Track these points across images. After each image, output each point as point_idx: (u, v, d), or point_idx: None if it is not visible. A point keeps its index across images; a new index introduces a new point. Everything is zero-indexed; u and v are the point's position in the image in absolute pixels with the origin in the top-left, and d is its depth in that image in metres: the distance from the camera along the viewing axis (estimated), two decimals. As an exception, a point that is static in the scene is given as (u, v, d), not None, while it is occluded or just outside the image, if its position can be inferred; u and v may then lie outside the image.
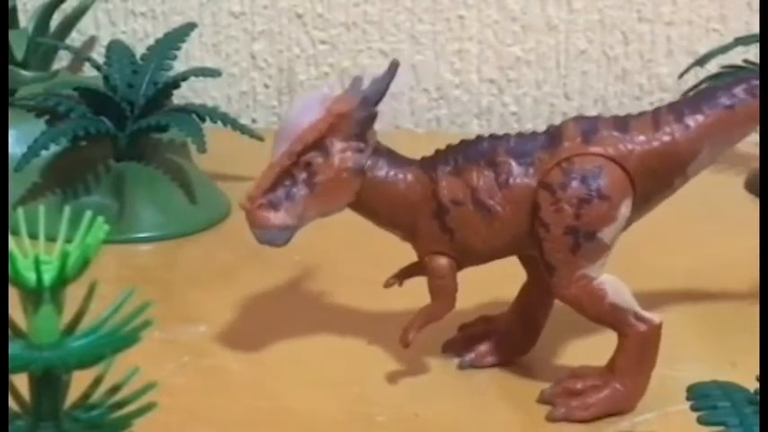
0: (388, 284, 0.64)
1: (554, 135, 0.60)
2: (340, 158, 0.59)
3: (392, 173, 0.60)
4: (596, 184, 0.58)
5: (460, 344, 0.66)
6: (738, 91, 0.60)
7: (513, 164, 0.59)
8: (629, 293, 0.60)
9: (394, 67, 0.60)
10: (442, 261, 0.61)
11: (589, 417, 0.60)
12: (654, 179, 0.59)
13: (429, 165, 0.61)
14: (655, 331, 0.60)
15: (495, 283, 0.67)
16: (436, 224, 0.60)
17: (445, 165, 0.60)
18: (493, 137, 0.61)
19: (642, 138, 0.59)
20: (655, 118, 0.60)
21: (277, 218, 0.59)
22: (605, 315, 0.60)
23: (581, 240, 0.58)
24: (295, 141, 0.59)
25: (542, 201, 0.59)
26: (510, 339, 0.65)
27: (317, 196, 0.59)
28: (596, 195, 0.58)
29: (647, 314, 0.60)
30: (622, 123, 0.60)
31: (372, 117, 0.60)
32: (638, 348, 0.60)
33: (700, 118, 0.60)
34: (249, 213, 0.59)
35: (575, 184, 0.58)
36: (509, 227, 0.60)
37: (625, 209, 0.59)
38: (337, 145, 0.59)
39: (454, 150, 0.61)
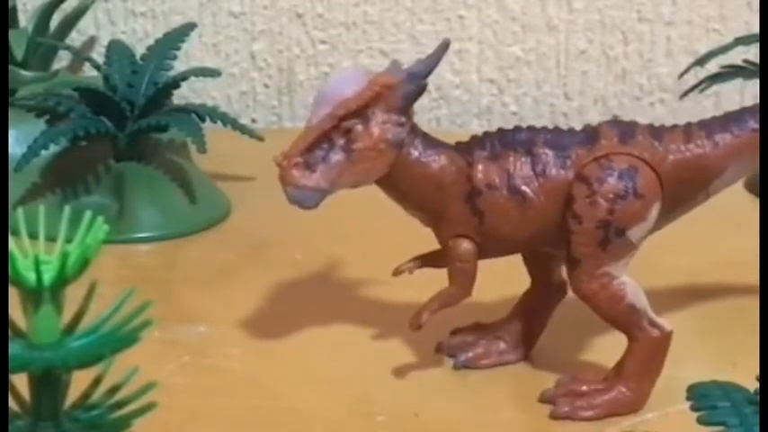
0: (398, 272, 0.63)
1: (591, 133, 0.61)
2: (380, 129, 0.59)
3: (427, 153, 0.60)
4: (632, 182, 0.59)
5: (454, 346, 0.66)
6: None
7: (551, 155, 0.60)
8: (645, 298, 0.60)
9: (443, 46, 0.60)
10: (467, 245, 0.61)
11: (593, 417, 0.60)
12: (681, 189, 0.61)
13: (464, 149, 0.61)
14: (666, 338, 0.61)
15: (488, 290, 0.66)
16: (467, 207, 0.60)
17: (482, 149, 0.61)
18: (530, 128, 0.61)
19: (674, 147, 0.61)
20: (686, 131, 0.61)
21: (311, 179, 0.59)
22: (621, 316, 0.60)
23: (611, 236, 0.59)
24: (338, 106, 0.59)
25: (577, 193, 0.59)
26: (507, 344, 0.65)
27: (352, 163, 0.59)
28: (632, 193, 0.59)
29: (659, 320, 0.61)
30: (657, 132, 0.61)
31: (418, 92, 0.59)
32: (648, 353, 0.60)
33: (728, 137, 0.61)
34: (284, 170, 0.59)
35: (612, 179, 0.59)
36: (541, 216, 0.60)
37: (655, 211, 0.60)
38: (379, 116, 0.59)
39: (491, 137, 0.61)
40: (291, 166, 0.59)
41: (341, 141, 0.59)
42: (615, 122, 0.62)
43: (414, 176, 0.60)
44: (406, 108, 0.60)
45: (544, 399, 0.61)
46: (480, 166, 0.60)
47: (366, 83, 0.59)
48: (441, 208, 0.61)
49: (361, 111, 0.59)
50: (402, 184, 0.61)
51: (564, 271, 0.63)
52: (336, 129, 0.59)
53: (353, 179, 0.60)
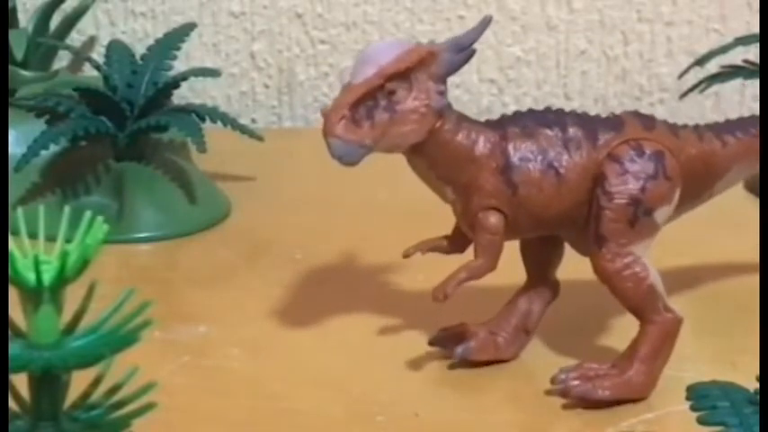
0: (407, 254, 0.64)
1: (615, 120, 0.63)
2: (424, 94, 0.60)
3: (461, 126, 0.61)
4: (662, 164, 0.61)
5: (448, 340, 0.66)
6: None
7: (581, 135, 0.61)
8: (661, 282, 0.61)
9: (486, 21, 0.61)
10: (497, 217, 0.61)
11: (609, 397, 0.61)
12: (692, 183, 0.63)
13: (497, 125, 0.62)
14: (677, 324, 0.62)
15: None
16: (501, 179, 0.61)
17: (514, 126, 0.62)
18: (559, 110, 0.63)
19: (689, 141, 0.63)
20: (697, 130, 0.64)
21: (357, 133, 0.59)
22: (641, 297, 0.61)
23: (640, 214, 0.60)
24: (387, 65, 0.59)
25: (609, 172, 0.61)
26: (503, 340, 0.65)
27: (394, 124, 0.59)
28: (662, 174, 0.61)
29: (673, 306, 0.62)
30: (672, 126, 0.63)
31: (463, 59, 0.61)
32: (662, 338, 0.61)
33: (733, 139, 0.64)
34: (330, 122, 0.59)
35: (644, 159, 0.61)
36: (572, 193, 0.61)
37: (677, 196, 0.62)
38: (422, 81, 0.60)
39: (522, 116, 0.62)
40: (338, 118, 0.59)
41: (384, 102, 0.59)
42: (635, 113, 0.64)
43: (447, 146, 0.61)
44: (446, 77, 0.60)
45: (555, 381, 0.61)
46: (515, 141, 0.61)
47: (410, 48, 0.60)
48: (471, 180, 0.61)
49: (405, 73, 0.59)
50: (435, 154, 0.61)
51: (558, 273, 0.65)
52: (381, 88, 0.59)
53: (392, 141, 0.60)
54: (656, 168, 0.61)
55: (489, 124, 0.62)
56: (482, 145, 0.61)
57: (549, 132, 0.61)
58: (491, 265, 0.61)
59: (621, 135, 0.62)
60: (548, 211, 0.61)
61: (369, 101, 0.59)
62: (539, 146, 0.61)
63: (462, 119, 0.61)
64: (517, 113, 0.63)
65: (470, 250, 0.62)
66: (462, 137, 0.61)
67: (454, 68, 0.61)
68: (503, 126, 0.62)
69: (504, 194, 0.61)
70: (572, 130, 0.61)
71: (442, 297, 0.61)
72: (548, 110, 0.63)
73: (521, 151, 0.61)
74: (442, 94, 0.60)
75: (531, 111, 0.63)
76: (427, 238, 0.64)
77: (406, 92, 0.59)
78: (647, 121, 0.63)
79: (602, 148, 0.61)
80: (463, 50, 0.61)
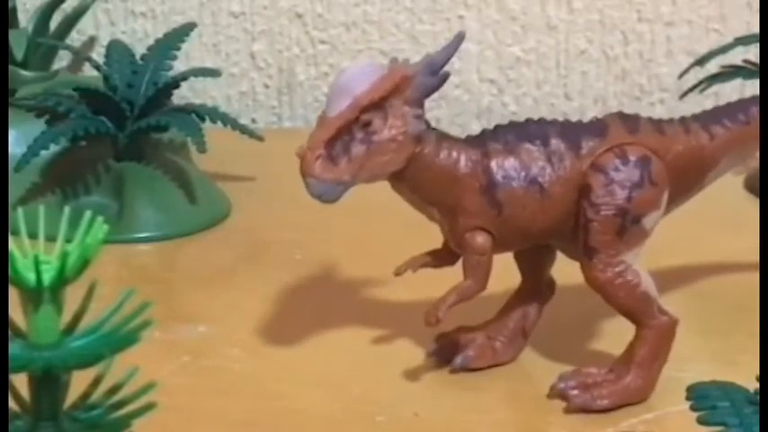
0: (399, 272, 0.63)
1: (599, 125, 0.62)
2: (399, 121, 0.59)
3: (442, 146, 0.60)
4: (647, 170, 0.60)
5: (446, 348, 0.66)
6: (754, 110, 0.64)
7: (564, 147, 0.61)
8: (654, 286, 0.61)
9: (459, 38, 0.60)
10: (484, 237, 0.61)
11: (609, 406, 0.61)
12: (681, 180, 0.62)
13: (478, 142, 0.61)
14: (673, 326, 0.62)
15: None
16: (484, 199, 0.60)
17: (495, 142, 0.61)
18: (541, 120, 0.62)
19: (676, 138, 0.62)
20: (684, 124, 0.63)
21: (334, 171, 0.58)
22: (635, 303, 0.61)
23: (627, 224, 0.60)
24: (361, 96, 0.58)
25: (594, 183, 0.60)
26: (501, 344, 0.65)
27: (372, 155, 0.59)
28: (647, 181, 0.60)
29: (667, 308, 0.61)
30: (657, 124, 0.62)
31: (438, 84, 0.60)
32: (658, 341, 0.61)
33: (721, 130, 0.63)
34: (306, 163, 0.58)
35: (628, 168, 0.60)
36: (558, 206, 0.60)
37: (665, 199, 0.61)
38: (397, 108, 0.59)
39: (503, 130, 0.61)
40: (315, 158, 0.58)
41: (360, 134, 0.58)
42: (619, 115, 0.63)
43: (429, 169, 0.60)
44: (421, 100, 0.60)
45: (554, 393, 0.61)
46: (497, 158, 0.60)
47: (383, 74, 0.59)
48: (456, 201, 0.60)
49: (380, 102, 0.58)
50: (417, 178, 0.60)
51: (551, 271, 0.65)
52: (356, 121, 0.58)
53: (371, 172, 0.59)
54: (641, 175, 0.60)
55: (470, 141, 0.61)
56: (464, 164, 0.60)
57: (530, 147, 0.61)
58: (481, 286, 0.61)
59: (605, 141, 0.61)
60: (534, 226, 0.61)
61: (345, 135, 0.58)
62: (521, 162, 0.60)
63: (442, 138, 0.61)
64: (498, 128, 0.62)
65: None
66: (443, 157, 0.60)
67: (429, 92, 0.60)
68: (484, 143, 0.61)
69: (489, 214, 0.60)
70: (554, 142, 0.61)
71: (434, 321, 0.61)
72: (529, 121, 0.62)
73: (503, 169, 0.60)
74: (420, 117, 0.59)
75: (512, 124, 0.62)
76: (417, 255, 0.64)
77: (382, 121, 0.59)
78: (631, 123, 0.62)
79: (586, 157, 0.60)
80: (437, 71, 0.59)
